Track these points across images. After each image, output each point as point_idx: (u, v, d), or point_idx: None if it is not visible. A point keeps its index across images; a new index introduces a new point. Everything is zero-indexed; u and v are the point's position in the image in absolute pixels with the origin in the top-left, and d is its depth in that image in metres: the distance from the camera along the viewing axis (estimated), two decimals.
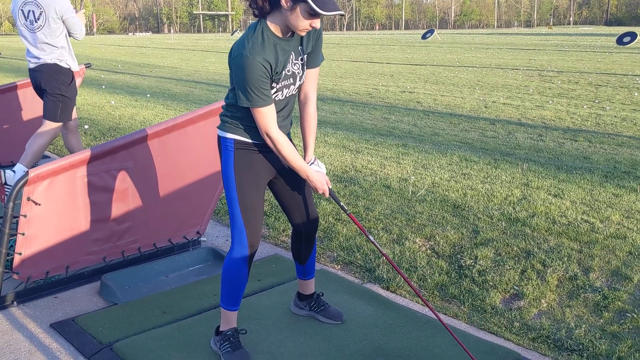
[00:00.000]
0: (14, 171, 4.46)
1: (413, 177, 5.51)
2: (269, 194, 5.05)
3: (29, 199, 3.07)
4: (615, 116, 10.17)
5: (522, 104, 11.77)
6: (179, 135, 3.61)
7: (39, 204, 3.12)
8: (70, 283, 3.43)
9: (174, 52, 31.80)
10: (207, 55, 27.94)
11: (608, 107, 11.33)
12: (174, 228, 3.86)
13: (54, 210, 3.21)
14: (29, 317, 3.08)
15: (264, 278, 3.44)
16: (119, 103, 11.06)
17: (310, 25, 2.27)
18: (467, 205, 4.76)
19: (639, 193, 5.16)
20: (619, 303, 3.16)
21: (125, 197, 3.53)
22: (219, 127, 2.53)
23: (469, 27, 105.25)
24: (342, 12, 2.23)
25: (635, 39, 31.75)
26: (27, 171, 3.03)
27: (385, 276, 3.50)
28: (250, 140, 2.49)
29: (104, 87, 14.27)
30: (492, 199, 4.95)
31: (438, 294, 3.31)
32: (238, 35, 65.42)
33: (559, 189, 5.30)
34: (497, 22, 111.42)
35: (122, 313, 3.02)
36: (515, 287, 3.37)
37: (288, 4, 2.22)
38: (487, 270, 3.54)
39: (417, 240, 4.01)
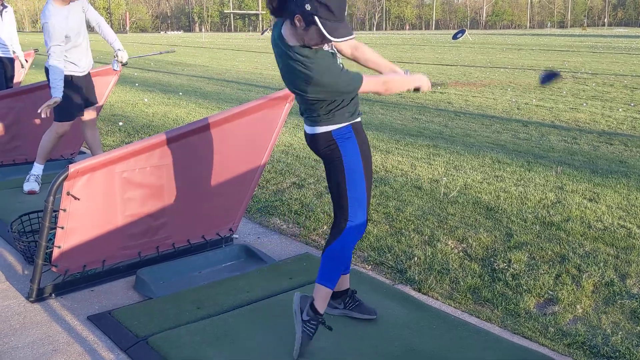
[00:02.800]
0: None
1: (445, 179, 5.47)
2: (300, 191, 5.07)
3: (68, 193, 3.14)
4: None
5: (555, 106, 11.59)
6: (215, 133, 3.65)
7: (78, 199, 3.19)
8: (107, 277, 3.50)
9: (205, 50, 32.11)
10: (238, 55, 28.15)
11: None
12: (207, 225, 3.91)
13: (92, 205, 3.27)
14: (66, 309, 3.16)
15: (295, 276, 3.46)
16: (152, 101, 11.23)
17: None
18: (500, 207, 4.71)
19: None
20: None
21: (161, 194, 3.59)
22: (319, 124, 2.56)
23: (500, 28, 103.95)
24: (352, 37, 2.36)
25: None
26: (68, 166, 3.10)
27: (416, 278, 3.49)
28: (356, 119, 2.60)
29: (137, 85, 14.50)
30: (526, 202, 4.89)
31: (471, 297, 3.28)
32: (268, 34, 65.75)
33: (594, 193, 5.21)
34: (530, 22, 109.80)
35: (157, 307, 3.07)
36: (549, 291, 3.32)
37: (301, 25, 2.30)
38: (521, 274, 3.50)
39: (449, 242, 3.99)
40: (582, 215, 4.56)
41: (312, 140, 2.65)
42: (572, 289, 3.33)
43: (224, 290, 3.28)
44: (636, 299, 3.22)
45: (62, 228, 3.20)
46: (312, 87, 2.39)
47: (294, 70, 2.38)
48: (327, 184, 2.86)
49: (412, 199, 4.91)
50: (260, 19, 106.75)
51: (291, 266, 3.60)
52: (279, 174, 5.74)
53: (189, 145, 3.61)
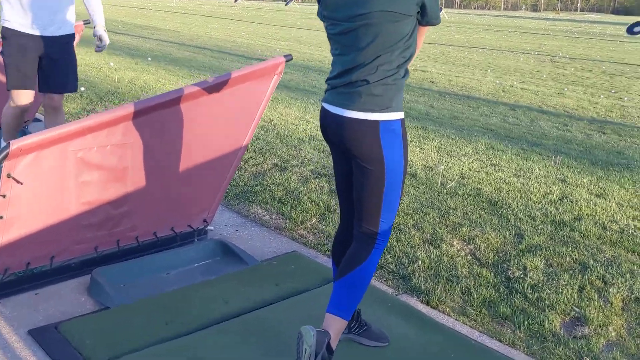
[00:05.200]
0: None
1: (442, 166, 5.00)
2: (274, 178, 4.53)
3: (9, 175, 2.54)
4: None
5: (540, 90, 11.23)
6: (191, 107, 3.08)
7: (21, 183, 2.60)
8: (55, 277, 2.91)
9: (176, 15, 30.86)
10: (210, 21, 27.09)
11: (626, 98, 10.81)
12: (178, 215, 3.35)
13: (39, 190, 2.68)
14: (3, 318, 2.58)
15: (282, 282, 2.94)
16: (118, 65, 10.43)
17: None
18: (504, 202, 4.26)
19: None
20: None
21: (124, 178, 3.01)
22: (371, 110, 2.03)
23: (475, 8, 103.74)
24: None
25: None
26: (9, 143, 2.50)
27: (423, 286, 3.02)
28: (403, 115, 2.12)
29: None
30: (531, 196, 4.45)
31: (487, 313, 2.82)
32: (241, 2, 64.18)
33: (600, 188, 4.81)
34: (504, 4, 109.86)
35: (115, 321, 2.52)
36: (575, 308, 2.89)
37: None
38: (540, 285, 3.06)
39: (454, 243, 3.52)
40: (594, 213, 4.15)
41: (342, 128, 2.08)
42: (600, 306, 2.91)
43: (198, 299, 2.73)
44: None
45: (1, 218, 2.61)
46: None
47: None
48: (335, 180, 2.32)
49: (408, 189, 4.42)
50: None
51: (277, 269, 3.08)
52: (259, 153, 5.18)
53: (159, 120, 3.02)
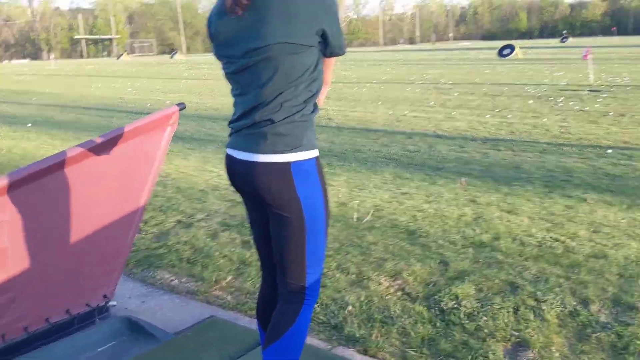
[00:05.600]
0: None
1: (356, 201, 4.86)
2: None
3: None
4: (525, 123, 10.18)
5: (431, 116, 11.59)
6: (77, 171, 2.72)
7: None
8: None
9: (57, 78, 29.49)
10: (94, 80, 26.08)
11: (509, 116, 11.40)
12: (74, 294, 2.93)
13: None
14: None
15: (205, 356, 2.60)
16: None
17: None
18: (422, 230, 4.17)
19: (590, 203, 4.84)
20: (639, 342, 2.65)
21: (3, 261, 2.57)
22: (280, 151, 1.80)
23: (357, 46, 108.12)
24: None
25: (513, 50, 33.57)
26: None
27: (357, 334, 2.79)
28: (318, 152, 1.90)
29: None
30: (446, 220, 4.40)
31: (429, 353, 2.63)
32: (125, 58, 62.89)
33: (509, 204, 4.87)
34: (383, 39, 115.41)
35: None
36: (514, 332, 2.77)
37: None
38: (476, 314, 2.93)
39: (382, 280, 3.34)
40: (509, 230, 4.14)
41: (250, 174, 1.85)
42: (538, 326, 2.81)
43: None
44: (609, 329, 2.77)
45: None
46: (331, 22, 1.82)
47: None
48: (252, 233, 2.06)
49: None
50: (114, 43, 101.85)
51: (194, 340, 2.73)
52: (159, 211, 4.80)
53: (41, 189, 2.64)
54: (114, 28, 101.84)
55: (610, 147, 7.65)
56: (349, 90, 17.74)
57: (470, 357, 2.58)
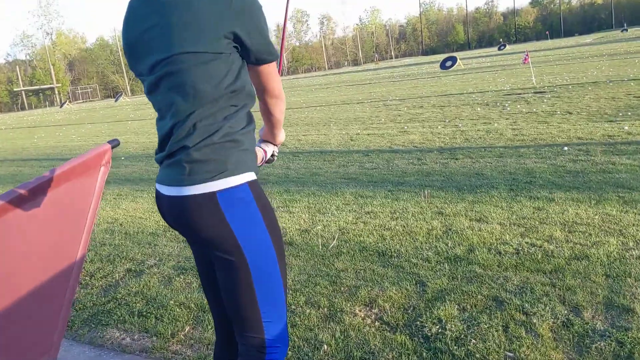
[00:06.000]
0: None
1: (319, 226, 4.56)
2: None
3: None
4: (478, 130, 10.15)
5: (384, 132, 11.48)
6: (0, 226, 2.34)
7: None
8: None
9: None
10: (35, 131, 25.18)
11: (460, 124, 11.39)
12: None
13: None
14: None
15: None
16: None
17: None
18: (392, 250, 3.90)
19: (558, 202, 4.68)
20: None
21: None
22: (200, 181, 1.50)
23: (302, 72, 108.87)
24: None
25: (456, 62, 34.30)
26: None
27: None
28: (255, 174, 1.59)
29: None
30: (415, 236, 4.15)
31: None
32: (69, 106, 61.58)
33: (477, 212, 4.66)
34: (328, 64, 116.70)
35: None
36: (508, 353, 2.51)
37: None
38: (463, 337, 2.66)
39: (356, 311, 3.04)
40: (483, 240, 3.92)
41: (176, 211, 1.56)
42: (532, 343, 2.56)
43: None
44: (608, 336, 2.54)
45: None
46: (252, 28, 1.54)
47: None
48: (201, 282, 1.75)
49: (288, 260, 3.91)
50: (56, 92, 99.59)
51: None
52: (107, 261, 4.39)
53: None
54: (54, 77, 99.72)
55: (565, 145, 7.62)
56: (300, 115, 17.57)
57: None
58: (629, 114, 9.64)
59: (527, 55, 19.36)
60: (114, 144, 2.91)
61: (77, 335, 3.26)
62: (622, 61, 21.74)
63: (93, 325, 3.34)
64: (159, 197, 1.60)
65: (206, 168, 1.49)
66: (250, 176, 1.55)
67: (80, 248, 2.75)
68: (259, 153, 1.90)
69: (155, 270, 4.02)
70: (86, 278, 4.06)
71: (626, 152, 6.67)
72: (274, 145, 1.94)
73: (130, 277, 3.99)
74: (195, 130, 1.49)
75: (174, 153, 1.52)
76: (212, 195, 1.48)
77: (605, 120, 9.28)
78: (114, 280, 3.96)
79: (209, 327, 3.08)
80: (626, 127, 8.30)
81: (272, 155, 1.97)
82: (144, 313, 3.34)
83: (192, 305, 3.33)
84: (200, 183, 1.48)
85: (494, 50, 61.97)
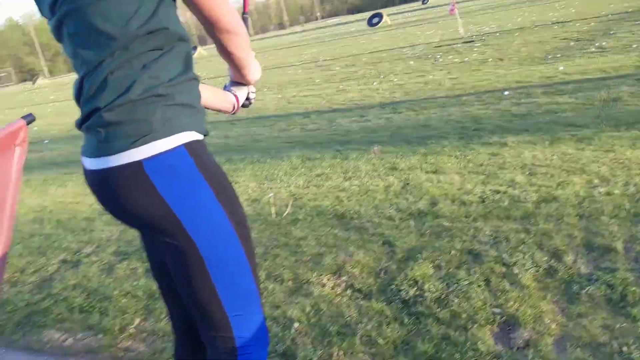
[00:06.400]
0: None
1: (270, 194, 4.26)
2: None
3: None
4: (416, 82, 10.00)
5: (321, 93, 11.18)
6: None
7: None
8: None
9: None
10: None
11: (396, 79, 11.23)
12: None
13: None
14: None
15: None
16: None
17: None
18: (351, 211, 3.66)
19: (512, 146, 4.56)
20: (633, 288, 2.29)
21: None
22: (120, 149, 1.17)
23: None
24: None
25: (382, 18, 34.21)
26: None
27: (314, 357, 2.22)
28: (202, 134, 1.30)
29: None
30: (373, 194, 3.92)
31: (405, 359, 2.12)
32: (42, 79, 57.75)
33: (432, 164, 4.48)
34: (253, 29, 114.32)
35: None
36: (495, 309, 2.32)
37: None
38: (444, 297, 2.45)
39: (324, 281, 2.78)
40: (445, 192, 3.73)
41: (101, 188, 1.26)
42: (518, 296, 2.38)
43: None
44: (596, 280, 2.39)
45: None
46: None
47: None
48: (152, 272, 1.43)
49: None
50: None
51: None
52: (38, 254, 3.95)
53: None
54: None
55: (505, 90, 7.57)
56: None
57: (458, 355, 2.09)
58: (559, 55, 9.72)
59: (453, 6, 19.37)
60: (29, 119, 2.47)
61: (10, 341, 2.86)
62: (544, 7, 22.18)
63: (28, 328, 2.94)
64: (85, 172, 1.26)
65: (125, 132, 1.16)
66: (187, 136, 1.22)
67: (3, 240, 2.36)
68: (229, 98, 1.58)
69: (94, 258, 3.62)
70: (15, 275, 3.62)
71: (566, 91, 6.66)
72: (247, 85, 1.62)
73: (66, 268, 3.58)
74: (107, 86, 1.16)
75: (89, 115, 1.20)
76: (137, 164, 1.16)
77: (538, 63, 9.32)
78: (47, 274, 3.54)
79: (162, 316, 2.75)
80: (561, 67, 8.34)
81: (247, 99, 1.66)
82: (86, 308, 2.96)
83: (140, 294, 2.98)
84: (120, 151, 1.16)
85: (418, 4, 62.21)
